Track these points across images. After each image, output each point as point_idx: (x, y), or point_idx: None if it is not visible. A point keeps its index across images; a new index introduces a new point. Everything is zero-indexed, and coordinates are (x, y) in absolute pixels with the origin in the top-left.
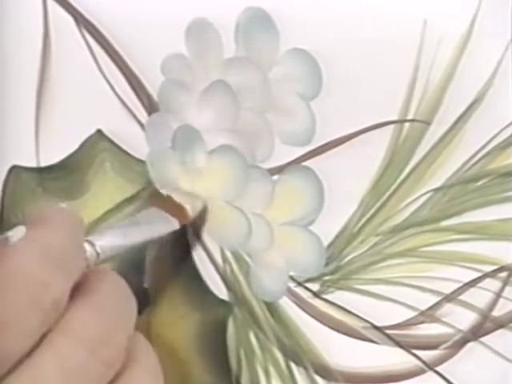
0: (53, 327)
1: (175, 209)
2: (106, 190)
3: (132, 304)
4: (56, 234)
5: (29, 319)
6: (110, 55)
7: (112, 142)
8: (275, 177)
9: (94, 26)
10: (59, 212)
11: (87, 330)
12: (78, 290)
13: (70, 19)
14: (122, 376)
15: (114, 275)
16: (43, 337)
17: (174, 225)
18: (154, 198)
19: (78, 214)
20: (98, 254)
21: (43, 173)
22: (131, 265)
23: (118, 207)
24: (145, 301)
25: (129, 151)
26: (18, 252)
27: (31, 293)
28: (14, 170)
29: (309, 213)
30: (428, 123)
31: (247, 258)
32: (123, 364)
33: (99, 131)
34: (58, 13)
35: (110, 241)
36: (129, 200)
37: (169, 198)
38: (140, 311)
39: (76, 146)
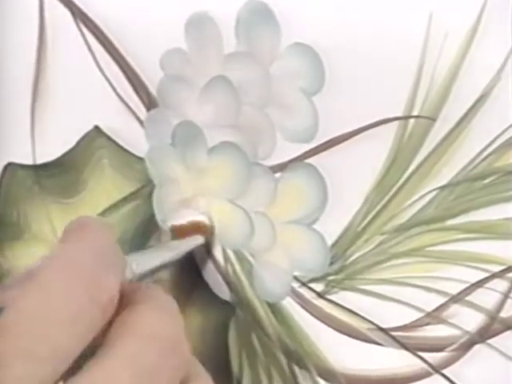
0: (116, 325)
1: (194, 227)
2: (103, 187)
3: (179, 319)
4: (102, 236)
5: (88, 315)
6: (107, 50)
7: (110, 138)
8: (277, 174)
9: (91, 20)
10: (95, 220)
11: (157, 330)
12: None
13: (67, 12)
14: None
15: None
16: (103, 335)
17: (199, 240)
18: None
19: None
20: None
21: (39, 170)
22: None
23: (116, 206)
24: None
25: (127, 148)
26: (69, 250)
27: (90, 289)
28: (10, 167)
29: (312, 211)
30: (433, 119)
31: (250, 258)
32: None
33: (97, 128)
34: (54, 6)
35: (144, 259)
36: (127, 198)
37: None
38: None
39: (73, 143)
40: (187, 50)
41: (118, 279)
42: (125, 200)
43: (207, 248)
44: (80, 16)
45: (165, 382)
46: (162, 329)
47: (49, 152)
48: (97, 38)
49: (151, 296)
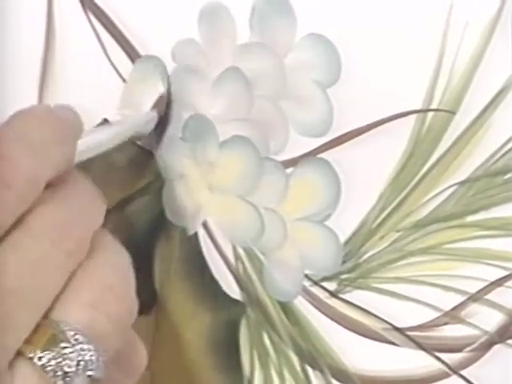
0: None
1: None
2: (113, 182)
3: (98, 202)
4: (38, 127)
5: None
6: (117, 41)
7: None
8: (289, 169)
9: (100, 10)
10: (46, 108)
11: (49, 223)
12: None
13: (76, 1)
14: (81, 266)
15: (84, 178)
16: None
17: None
18: None
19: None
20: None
21: None
22: (140, 263)
23: (126, 201)
24: (152, 300)
25: (137, 142)
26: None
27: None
28: None
29: (325, 208)
30: (453, 113)
31: (260, 256)
32: (86, 256)
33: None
34: None
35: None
36: (138, 193)
37: None
38: (148, 311)
39: None
40: (200, 40)
41: (43, 165)
42: (134, 195)
43: (164, 122)
44: (89, 5)
45: (56, 267)
46: (53, 221)
47: None
48: (107, 29)
49: (60, 186)
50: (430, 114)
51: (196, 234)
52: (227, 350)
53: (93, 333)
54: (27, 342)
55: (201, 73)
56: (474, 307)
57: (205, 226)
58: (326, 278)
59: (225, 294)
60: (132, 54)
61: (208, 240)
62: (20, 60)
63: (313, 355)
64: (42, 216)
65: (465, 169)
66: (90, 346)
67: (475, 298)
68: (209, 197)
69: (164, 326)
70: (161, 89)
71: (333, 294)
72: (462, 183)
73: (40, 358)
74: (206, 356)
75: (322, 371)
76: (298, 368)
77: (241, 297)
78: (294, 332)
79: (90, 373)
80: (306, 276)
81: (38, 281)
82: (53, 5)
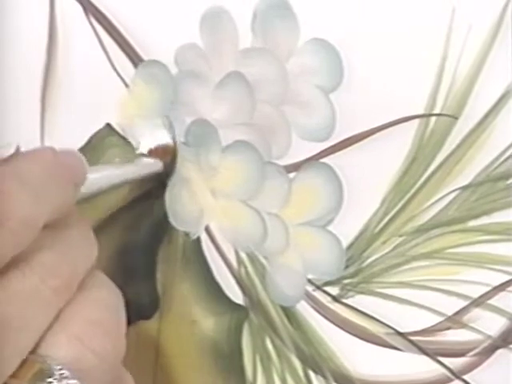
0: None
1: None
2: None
3: (91, 245)
4: (41, 169)
5: None
6: (120, 45)
7: (122, 137)
8: (292, 174)
9: (103, 15)
10: (50, 151)
11: (39, 262)
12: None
13: (78, 7)
14: (70, 303)
15: (83, 222)
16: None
17: (158, 164)
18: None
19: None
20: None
21: None
22: (142, 268)
23: (129, 206)
24: (155, 304)
25: None
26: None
27: None
28: None
29: (327, 212)
30: (456, 117)
31: (263, 261)
32: (76, 293)
33: (108, 125)
34: (65, 0)
35: (93, 178)
36: (140, 198)
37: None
38: (150, 315)
39: (84, 142)
40: (202, 45)
41: (40, 205)
42: (137, 200)
43: (165, 176)
44: (91, 10)
45: (44, 304)
46: (42, 257)
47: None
48: (109, 34)
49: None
50: (433, 118)
51: (199, 239)
52: (230, 355)
53: (79, 368)
54: (13, 376)
55: (203, 77)
56: (476, 312)
57: (207, 230)
58: (328, 283)
59: (227, 298)
60: (135, 58)
61: (211, 244)
62: (22, 65)
63: (315, 360)
64: (34, 255)
65: (467, 173)
66: (76, 382)
67: (478, 302)
68: (211, 201)
69: (167, 331)
70: (167, 139)
71: (335, 299)
72: (464, 188)
73: None
74: (209, 360)
75: (324, 376)
76: (301, 373)
77: (243, 301)
78: (296, 337)
79: None
80: (309, 281)
81: (25, 316)
82: (55, 10)
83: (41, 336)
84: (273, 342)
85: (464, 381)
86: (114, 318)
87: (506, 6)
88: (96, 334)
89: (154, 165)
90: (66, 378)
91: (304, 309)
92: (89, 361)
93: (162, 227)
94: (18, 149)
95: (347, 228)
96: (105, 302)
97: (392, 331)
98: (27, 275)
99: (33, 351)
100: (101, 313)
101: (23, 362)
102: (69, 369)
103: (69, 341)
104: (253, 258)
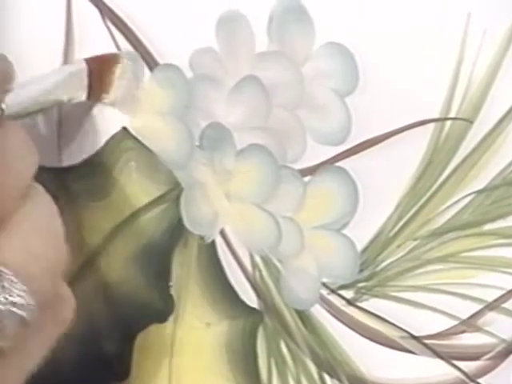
0: None
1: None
2: (130, 191)
3: (30, 151)
4: None
5: None
6: (136, 49)
7: (138, 140)
8: (307, 178)
9: (119, 18)
10: None
11: None
12: None
13: (95, 11)
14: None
15: (17, 127)
16: None
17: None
18: None
19: None
20: (2, 111)
21: (65, 173)
22: (157, 271)
23: (144, 209)
24: (170, 308)
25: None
26: None
27: None
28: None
29: (342, 216)
30: (471, 121)
31: (278, 264)
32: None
33: (124, 129)
34: (81, 4)
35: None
36: (155, 202)
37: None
38: (165, 318)
39: (100, 145)
40: (218, 49)
41: None
42: (152, 203)
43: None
44: (108, 14)
45: None
46: None
47: (75, 154)
48: (126, 37)
49: None
50: (448, 122)
51: (213, 242)
52: (245, 359)
53: (23, 273)
54: None
55: (218, 81)
56: (491, 315)
57: (222, 234)
58: (343, 287)
59: (242, 302)
60: (150, 62)
61: (225, 248)
62: (39, 68)
63: (330, 363)
64: None
65: (482, 177)
66: (24, 288)
67: (492, 306)
68: (226, 205)
69: (181, 334)
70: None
71: (350, 303)
72: (479, 192)
73: None
74: (224, 364)
75: (339, 379)
76: (316, 376)
77: (258, 305)
78: (311, 340)
79: (20, 313)
80: (324, 284)
81: None
82: (71, 13)
83: None
84: (288, 345)
85: None
86: (53, 227)
87: None
88: (37, 242)
89: (78, 63)
90: (14, 283)
91: (318, 312)
92: (31, 266)
93: (177, 231)
94: None
95: (362, 231)
96: (44, 212)
97: (407, 335)
98: None
99: None
100: (41, 222)
101: None
102: (16, 274)
103: (14, 247)
104: (267, 262)
